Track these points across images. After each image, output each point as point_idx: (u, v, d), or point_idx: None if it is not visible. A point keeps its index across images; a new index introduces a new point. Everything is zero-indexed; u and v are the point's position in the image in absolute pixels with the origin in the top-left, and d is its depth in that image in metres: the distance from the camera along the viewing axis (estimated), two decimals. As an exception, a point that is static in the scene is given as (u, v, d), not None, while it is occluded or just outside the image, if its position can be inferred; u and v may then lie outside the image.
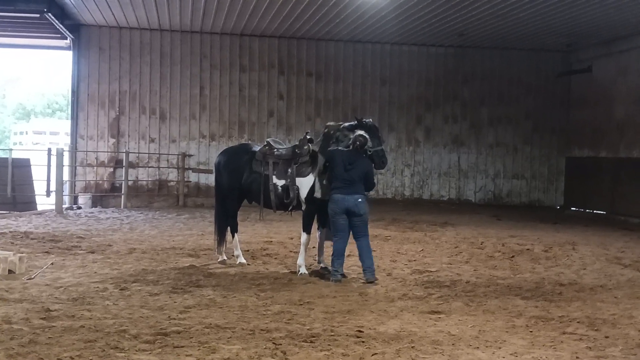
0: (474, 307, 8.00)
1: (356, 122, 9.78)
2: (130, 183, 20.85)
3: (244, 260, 10.55)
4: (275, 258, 11.19)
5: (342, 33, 21.20)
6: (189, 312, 7.30)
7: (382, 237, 14.07)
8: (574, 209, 22.96)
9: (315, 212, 9.96)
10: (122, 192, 20.45)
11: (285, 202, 10.05)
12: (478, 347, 6.32)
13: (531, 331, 6.98)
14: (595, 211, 21.43)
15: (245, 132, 22.21)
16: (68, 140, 22.97)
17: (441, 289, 9.03)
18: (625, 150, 20.65)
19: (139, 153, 21.37)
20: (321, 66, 22.64)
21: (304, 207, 9.99)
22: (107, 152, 21.46)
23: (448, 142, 23.44)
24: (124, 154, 20.57)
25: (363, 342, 6.37)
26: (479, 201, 23.56)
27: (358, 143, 9.42)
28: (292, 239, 13.58)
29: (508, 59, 23.44)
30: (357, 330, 6.74)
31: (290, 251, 12.00)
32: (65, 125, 31.70)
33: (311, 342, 6.31)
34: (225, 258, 10.61)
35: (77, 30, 21.01)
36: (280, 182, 10.05)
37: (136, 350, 5.87)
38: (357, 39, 22.09)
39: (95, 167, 21.48)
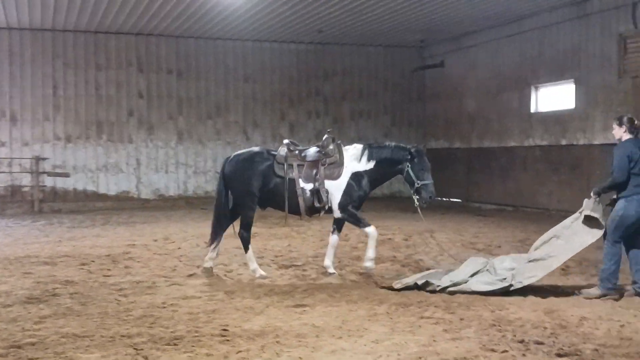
0: (337, 297, 8.14)
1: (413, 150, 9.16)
2: (-21, 190, 19.60)
3: (263, 273, 9.52)
4: (139, 262, 10.88)
5: (202, 30, 20.94)
6: (45, 323, 6.97)
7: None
8: (432, 198, 23.83)
9: (357, 210, 9.32)
10: (-29, 200, 19.20)
11: (316, 206, 9.27)
12: (341, 337, 6.44)
13: (392, 318, 7.20)
14: (451, 199, 22.28)
15: (104, 133, 21.46)
16: None
17: (307, 282, 9.14)
18: (477, 141, 21.78)
19: (-12, 158, 20.14)
20: (181, 64, 22.25)
21: (339, 215, 9.27)
22: (-48, 158, 20.07)
23: (312, 137, 23.71)
24: (-28, 159, 19.30)
25: (228, 340, 6.32)
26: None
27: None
28: (156, 241, 13.27)
29: (366, 55, 24.08)
30: (222, 330, 6.68)
31: (155, 253, 11.72)
32: None
33: (174, 344, 6.19)
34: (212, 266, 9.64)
35: None
36: (309, 186, 9.27)
37: (-15, 367, 5.54)
38: (217, 36, 21.88)
39: (-61, 175, 20.04)
